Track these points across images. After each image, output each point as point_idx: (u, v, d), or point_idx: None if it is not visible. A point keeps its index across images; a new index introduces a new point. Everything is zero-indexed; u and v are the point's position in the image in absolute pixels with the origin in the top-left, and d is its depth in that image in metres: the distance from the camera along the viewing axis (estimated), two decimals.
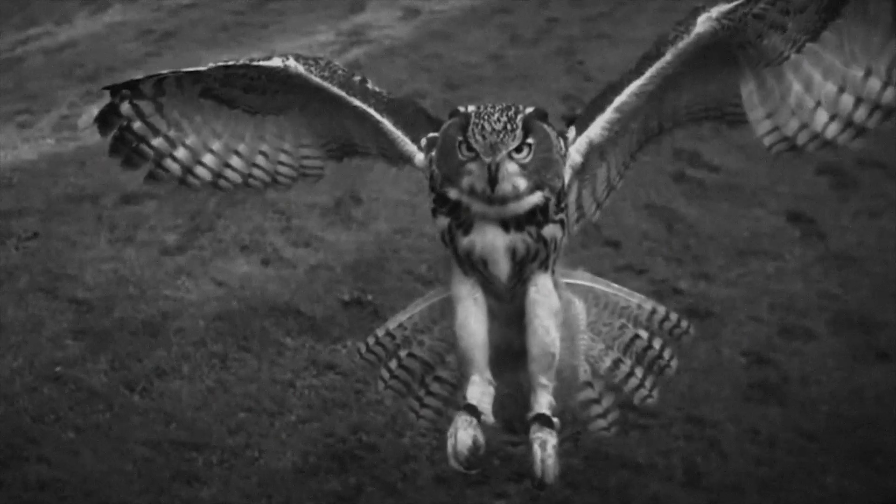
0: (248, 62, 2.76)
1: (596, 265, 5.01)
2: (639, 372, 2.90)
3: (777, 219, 5.61)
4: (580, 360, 2.87)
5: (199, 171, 2.89)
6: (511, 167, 2.47)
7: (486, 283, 2.64)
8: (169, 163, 2.87)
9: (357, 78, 2.78)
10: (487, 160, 2.45)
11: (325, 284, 5.00)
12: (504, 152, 2.45)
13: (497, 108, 2.49)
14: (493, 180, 2.46)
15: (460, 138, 2.48)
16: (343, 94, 2.73)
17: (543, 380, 2.66)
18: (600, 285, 2.91)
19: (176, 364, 4.42)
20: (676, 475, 3.85)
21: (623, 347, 2.89)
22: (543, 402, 2.65)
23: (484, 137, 2.45)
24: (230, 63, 2.77)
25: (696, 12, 2.54)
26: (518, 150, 2.47)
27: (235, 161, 2.91)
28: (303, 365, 4.43)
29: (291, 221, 5.55)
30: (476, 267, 2.60)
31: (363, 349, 2.96)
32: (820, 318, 4.75)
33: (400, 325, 2.92)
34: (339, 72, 2.77)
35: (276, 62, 2.72)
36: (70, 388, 4.26)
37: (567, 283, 2.79)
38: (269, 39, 8.27)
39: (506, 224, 2.53)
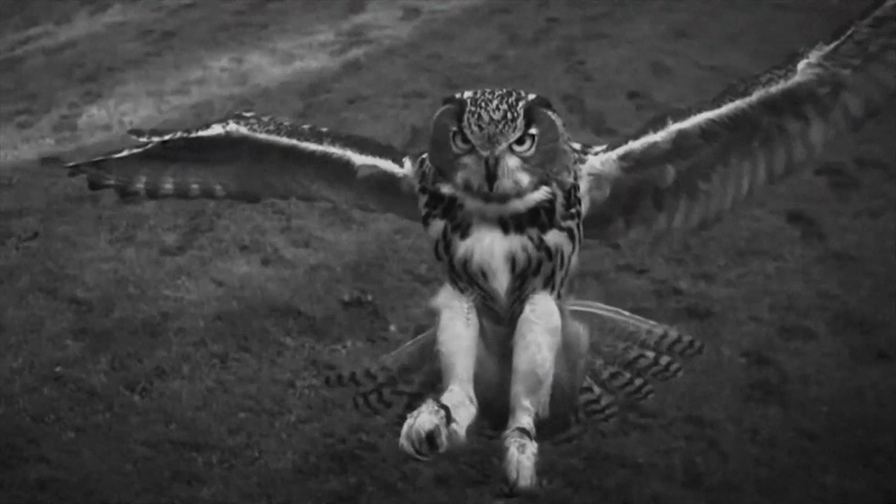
0: (185, 135, 2.66)
1: (596, 265, 5.02)
2: (637, 382, 2.76)
3: (777, 219, 5.60)
4: (579, 379, 2.70)
5: (163, 190, 2.82)
6: (512, 162, 2.23)
7: (484, 302, 2.41)
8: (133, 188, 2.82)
9: (306, 126, 2.63)
10: (485, 154, 2.21)
11: (325, 284, 4.99)
12: (504, 145, 2.21)
13: (496, 94, 2.23)
14: (491, 177, 2.22)
15: (455, 128, 2.24)
16: (295, 142, 2.58)
17: (526, 402, 2.39)
18: (610, 313, 2.72)
19: (176, 364, 4.42)
20: (676, 475, 3.84)
21: (625, 364, 2.74)
22: (524, 423, 2.39)
23: (481, 128, 2.20)
24: (167, 138, 2.67)
25: (795, 58, 2.35)
26: (520, 141, 2.23)
27: (195, 188, 2.83)
28: (303, 365, 4.43)
29: (291, 221, 5.54)
30: (473, 281, 2.36)
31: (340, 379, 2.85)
32: (820, 318, 4.75)
33: (384, 368, 2.77)
34: (286, 123, 2.63)
35: (217, 130, 2.62)
36: (70, 388, 4.26)
37: (572, 311, 2.56)
38: (269, 39, 8.26)
39: (505, 224, 2.29)
